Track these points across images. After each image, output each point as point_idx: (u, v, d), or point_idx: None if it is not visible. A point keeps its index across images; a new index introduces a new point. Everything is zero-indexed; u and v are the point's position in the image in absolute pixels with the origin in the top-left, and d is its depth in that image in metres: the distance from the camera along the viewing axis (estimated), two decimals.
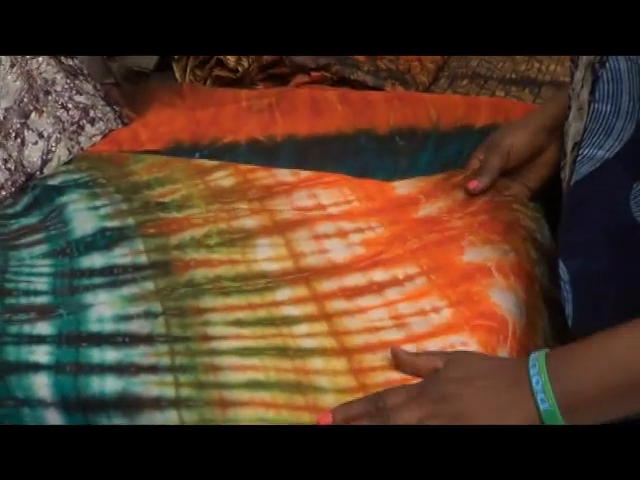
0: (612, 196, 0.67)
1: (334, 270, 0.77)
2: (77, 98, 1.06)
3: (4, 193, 0.95)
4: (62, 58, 1.10)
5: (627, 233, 0.67)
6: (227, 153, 0.99)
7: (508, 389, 0.61)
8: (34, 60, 1.05)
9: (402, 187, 0.86)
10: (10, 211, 0.91)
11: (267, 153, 0.99)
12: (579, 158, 0.68)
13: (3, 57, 0.99)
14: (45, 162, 1.00)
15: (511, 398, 0.61)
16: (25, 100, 1.00)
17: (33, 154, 1.00)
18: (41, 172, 0.99)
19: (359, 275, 0.77)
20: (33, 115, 1.00)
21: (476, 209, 0.81)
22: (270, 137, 1.01)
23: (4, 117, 0.98)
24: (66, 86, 1.06)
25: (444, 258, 0.77)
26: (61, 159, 1.01)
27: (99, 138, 1.06)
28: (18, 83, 1.00)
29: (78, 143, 1.04)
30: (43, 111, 1.01)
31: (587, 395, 0.60)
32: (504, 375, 0.63)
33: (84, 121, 1.06)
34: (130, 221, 0.86)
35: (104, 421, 0.66)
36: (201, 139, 1.03)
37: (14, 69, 1.00)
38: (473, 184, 0.83)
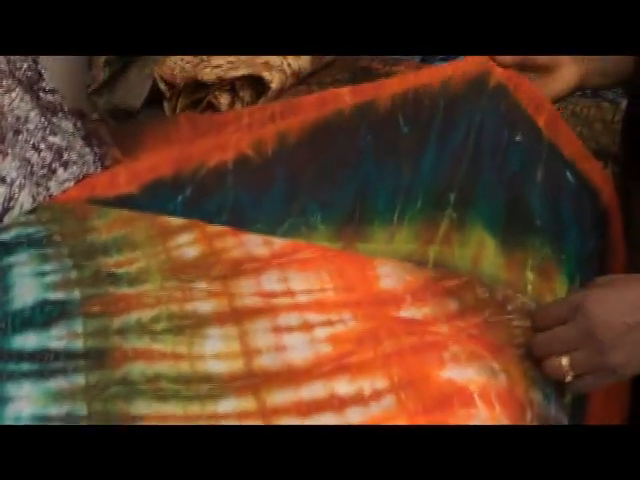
0: None
1: (290, 376, 0.66)
2: (51, 139, 0.97)
3: None
4: (40, 93, 1.01)
5: None
6: (213, 183, 0.87)
7: None
8: (6, 95, 0.96)
9: (388, 277, 0.74)
10: None
11: (258, 173, 0.86)
12: None
13: None
14: (6, 210, 0.91)
15: None
16: None
17: None
18: (0, 221, 0.90)
19: (319, 384, 0.66)
20: None
21: (465, 325, 0.69)
22: (260, 149, 0.88)
23: None
24: (40, 125, 0.97)
25: (420, 370, 0.66)
26: (24, 207, 0.91)
27: (72, 184, 0.96)
28: None
29: (47, 189, 0.95)
30: (8, 153, 0.92)
31: None
32: None
33: (56, 164, 0.96)
34: (75, 294, 0.76)
35: None
36: (184, 168, 0.91)
37: None
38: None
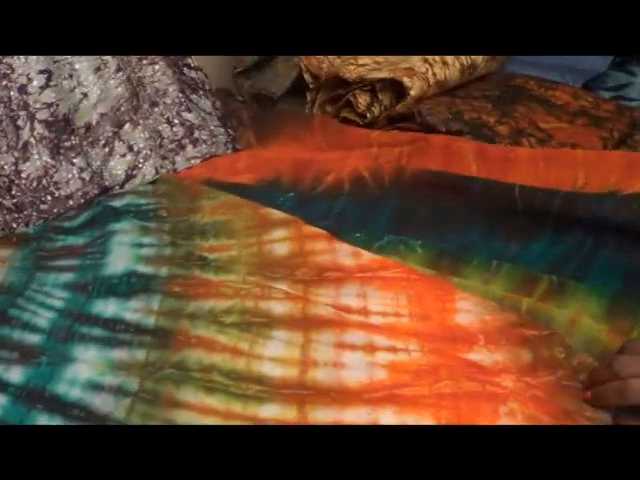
0: None
1: (338, 395, 0.64)
2: (185, 115, 0.99)
3: (71, 203, 0.89)
4: (185, 69, 1.03)
5: None
6: (327, 194, 0.88)
7: None
8: (150, 67, 0.99)
9: (465, 313, 0.71)
10: (66, 225, 0.86)
11: (371, 196, 0.86)
12: None
13: (110, 61, 0.93)
14: (129, 178, 0.94)
15: None
16: (122, 109, 0.94)
17: (118, 167, 0.94)
18: (122, 187, 0.93)
19: (364, 410, 0.63)
20: (127, 126, 0.94)
21: (535, 383, 0.65)
22: (376, 175, 0.87)
23: (97, 122, 0.93)
24: (177, 100, 0.99)
25: (470, 419, 0.62)
26: (146, 177, 0.94)
27: (197, 162, 0.98)
28: (119, 89, 0.94)
29: (172, 163, 0.97)
30: (139, 123, 0.95)
31: None
32: None
33: (186, 140, 0.99)
34: (162, 271, 0.78)
35: None
36: (303, 176, 0.92)
37: (119, 74, 0.94)
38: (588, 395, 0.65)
